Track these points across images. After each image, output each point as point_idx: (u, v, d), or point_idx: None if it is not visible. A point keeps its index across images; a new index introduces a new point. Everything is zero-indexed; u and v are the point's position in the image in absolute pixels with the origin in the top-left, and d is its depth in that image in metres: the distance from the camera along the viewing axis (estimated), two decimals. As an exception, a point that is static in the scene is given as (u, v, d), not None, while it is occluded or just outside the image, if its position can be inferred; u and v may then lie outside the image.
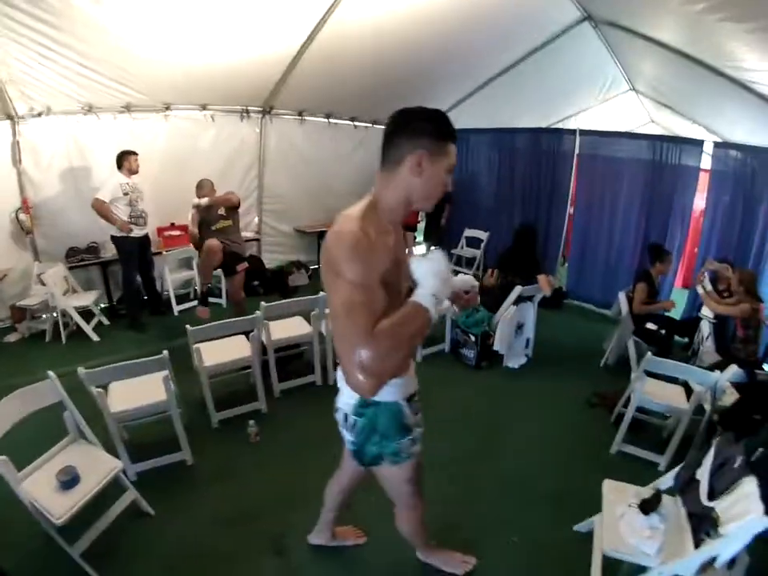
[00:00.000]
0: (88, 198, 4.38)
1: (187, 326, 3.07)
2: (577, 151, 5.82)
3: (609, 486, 2.06)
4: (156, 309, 5.14)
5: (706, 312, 4.11)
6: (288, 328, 3.75)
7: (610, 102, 6.64)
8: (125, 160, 4.46)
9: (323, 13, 4.15)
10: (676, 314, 4.99)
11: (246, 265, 4.31)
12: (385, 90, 5.73)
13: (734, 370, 2.83)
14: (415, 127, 1.25)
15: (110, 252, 4.87)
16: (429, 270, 1.16)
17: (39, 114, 4.33)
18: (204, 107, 5.28)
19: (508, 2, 4.50)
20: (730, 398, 2.90)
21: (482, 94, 6.37)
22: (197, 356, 3.08)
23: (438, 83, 6.02)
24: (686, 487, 1.95)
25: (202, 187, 4.27)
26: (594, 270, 5.92)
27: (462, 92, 6.47)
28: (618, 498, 1.98)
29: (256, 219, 6.18)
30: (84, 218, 4.61)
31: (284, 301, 3.57)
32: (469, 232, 7.05)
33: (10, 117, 4.23)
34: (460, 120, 6.76)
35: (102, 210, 4.32)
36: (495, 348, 4.25)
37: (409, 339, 1.14)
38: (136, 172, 4.53)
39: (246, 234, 5.99)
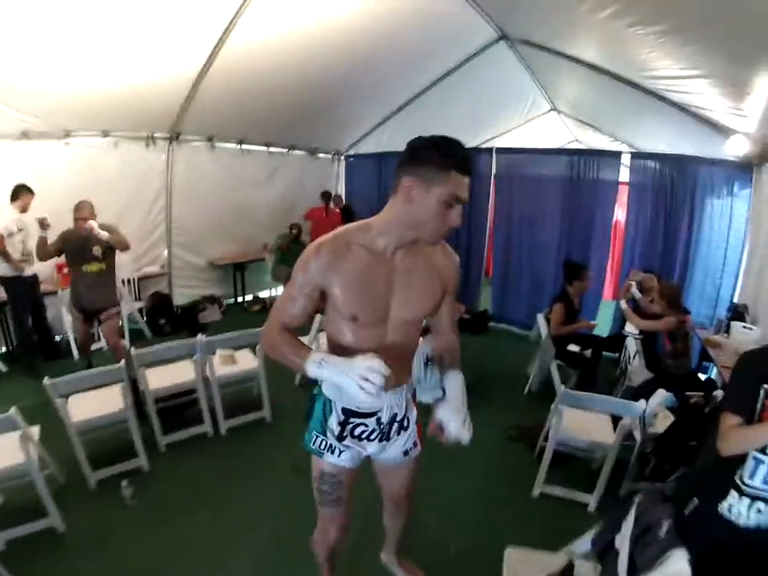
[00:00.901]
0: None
1: (45, 379, 2.60)
2: (494, 171, 5.71)
3: (512, 556, 1.71)
4: (52, 354, 4.61)
5: (630, 328, 3.94)
6: (175, 374, 3.33)
7: (532, 122, 6.67)
8: (22, 194, 4.06)
9: (221, 32, 3.90)
10: (604, 328, 4.85)
11: (114, 311, 3.73)
12: (299, 112, 5.49)
13: (661, 396, 2.60)
14: (417, 154, 1.22)
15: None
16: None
17: None
18: (106, 134, 4.85)
19: (421, 20, 4.36)
20: (664, 422, 2.69)
21: (403, 116, 6.24)
22: (62, 411, 2.68)
23: (354, 105, 5.85)
24: (605, 554, 1.62)
25: (80, 209, 3.64)
26: (517, 291, 5.76)
27: (380, 115, 6.35)
28: (523, 571, 1.64)
29: (165, 252, 5.68)
30: None
31: (158, 346, 3.14)
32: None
33: None
34: (380, 144, 6.78)
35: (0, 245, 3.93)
36: (420, 400, 3.81)
37: (281, 359, 1.37)
38: (26, 210, 4.11)
39: (153, 268, 5.53)
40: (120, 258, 4.58)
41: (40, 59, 3.56)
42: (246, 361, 3.59)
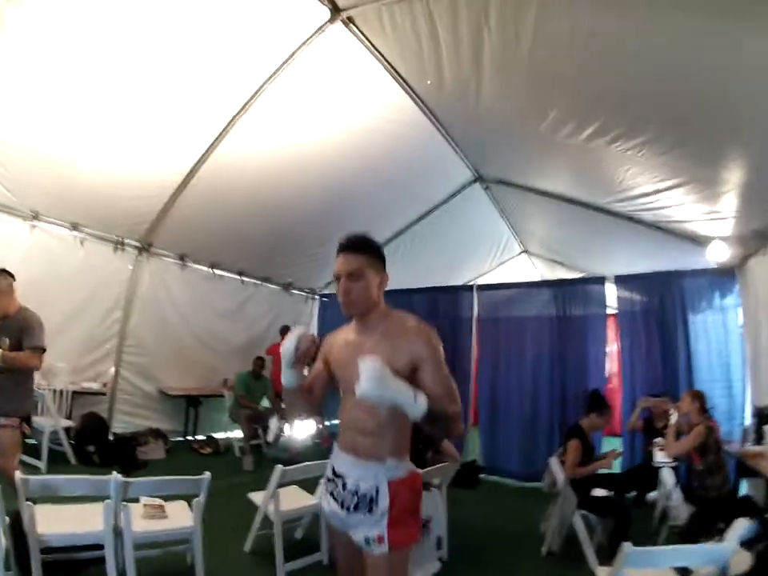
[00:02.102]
0: None
1: None
2: (476, 311, 5.69)
3: None
4: None
5: (661, 458, 3.48)
6: (77, 518, 2.44)
7: (505, 265, 6.95)
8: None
9: (208, 145, 4.10)
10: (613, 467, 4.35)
11: (9, 423, 2.84)
12: (274, 243, 5.48)
13: (742, 526, 2.06)
14: None
15: None
16: None
17: None
18: (75, 227, 4.62)
19: (402, 158, 4.68)
20: (740, 565, 2.11)
21: (388, 250, 6.29)
22: None
23: (330, 243, 5.87)
24: None
25: None
26: (508, 438, 5.29)
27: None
28: None
29: (111, 370, 4.99)
30: None
31: (56, 477, 2.42)
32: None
33: None
34: None
35: None
36: None
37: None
38: None
39: (92, 384, 4.80)
40: (56, 364, 3.94)
41: (26, 125, 3.54)
42: (180, 516, 2.66)
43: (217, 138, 4.11)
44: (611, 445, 4.84)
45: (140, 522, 2.50)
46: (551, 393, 5.03)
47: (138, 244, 5.07)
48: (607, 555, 2.76)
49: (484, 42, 3.16)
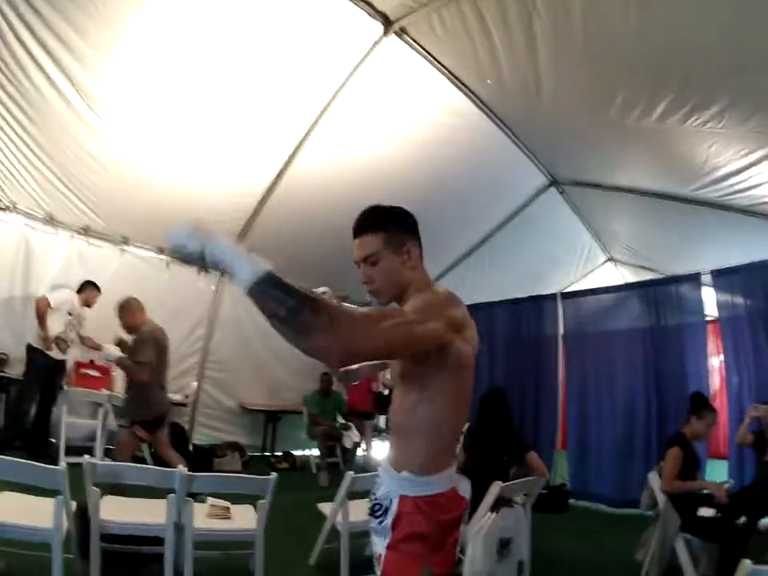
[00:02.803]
0: (15, 305, 4.38)
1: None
2: (561, 325, 5.41)
3: None
4: (39, 451, 4.10)
5: None
6: (140, 510, 2.54)
7: (590, 276, 6.53)
8: (88, 289, 4.50)
9: (279, 168, 4.42)
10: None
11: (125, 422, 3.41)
12: (348, 262, 5.60)
13: None
14: None
15: (16, 370, 4.36)
16: None
17: (3, 209, 4.34)
18: (162, 251, 5.05)
19: (470, 167, 4.67)
20: None
21: (458, 272, 6.24)
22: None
23: None
24: None
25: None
26: (600, 461, 4.89)
27: (433, 272, 6.35)
28: None
29: (194, 384, 5.34)
30: (6, 322, 4.40)
31: (124, 464, 2.57)
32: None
33: None
34: None
35: (43, 309, 4.19)
36: None
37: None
38: (89, 305, 4.51)
39: (176, 396, 5.10)
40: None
41: (115, 157, 4.02)
42: (245, 519, 2.65)
43: (287, 161, 4.40)
44: (715, 468, 4.30)
45: (203, 520, 2.53)
46: (647, 411, 4.59)
47: (218, 268, 5.45)
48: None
49: (535, 29, 3.13)
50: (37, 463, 2.16)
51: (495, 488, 2.73)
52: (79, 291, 4.48)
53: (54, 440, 4.37)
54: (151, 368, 3.33)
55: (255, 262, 0.95)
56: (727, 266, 4.29)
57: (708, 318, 4.63)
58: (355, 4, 3.35)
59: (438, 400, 1.24)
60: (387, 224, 1.36)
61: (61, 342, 4.30)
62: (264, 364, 5.88)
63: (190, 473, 2.40)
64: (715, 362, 4.91)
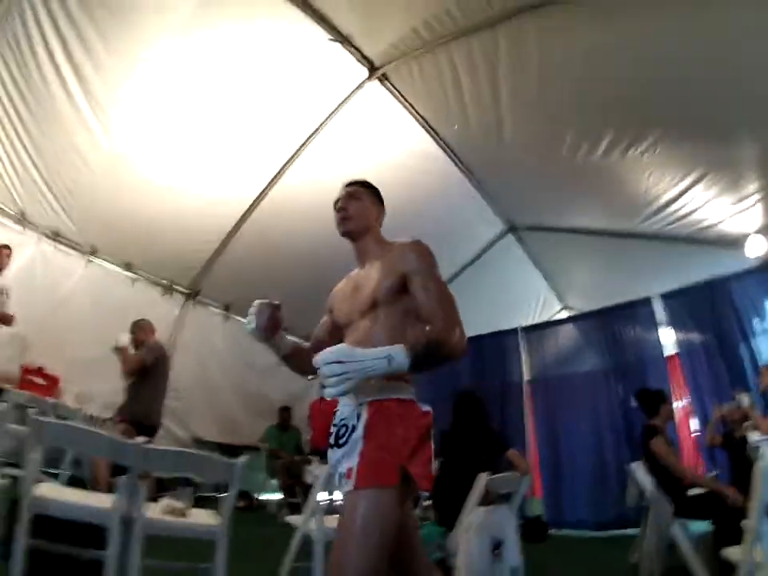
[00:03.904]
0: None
1: None
2: (526, 367, 5.75)
3: None
4: None
5: (759, 437, 3.28)
6: (88, 497, 2.33)
7: (546, 324, 6.96)
8: None
9: (258, 192, 4.74)
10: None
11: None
12: (315, 297, 5.79)
13: None
14: None
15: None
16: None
17: None
18: (128, 266, 5.15)
19: (435, 211, 5.19)
20: None
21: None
22: None
23: None
24: None
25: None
26: (574, 489, 5.15)
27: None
28: None
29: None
30: None
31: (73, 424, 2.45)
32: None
33: None
34: None
35: None
36: None
37: None
38: (1, 268, 4.11)
39: None
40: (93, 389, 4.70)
41: (102, 159, 4.17)
42: (204, 518, 2.38)
43: (267, 185, 4.76)
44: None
45: (157, 515, 2.25)
46: (616, 436, 4.96)
47: (186, 290, 5.54)
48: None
49: (499, 77, 3.81)
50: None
51: (481, 480, 2.80)
52: None
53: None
54: (140, 366, 3.81)
55: (388, 351, 1.25)
56: (675, 289, 4.87)
57: (666, 351, 5.08)
58: (346, 49, 3.93)
59: (406, 320, 1.46)
60: (371, 187, 1.73)
61: None
62: (221, 397, 5.81)
63: (147, 446, 2.18)
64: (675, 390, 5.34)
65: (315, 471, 5.41)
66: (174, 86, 3.98)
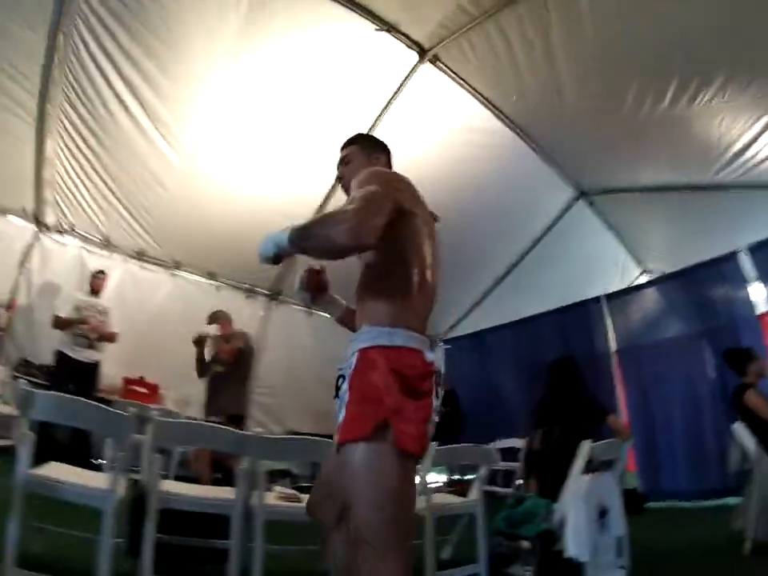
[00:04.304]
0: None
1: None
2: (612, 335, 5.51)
3: None
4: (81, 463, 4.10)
5: None
6: (207, 492, 2.55)
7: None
8: (91, 278, 4.68)
9: (324, 195, 4.90)
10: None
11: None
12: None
13: None
14: None
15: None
16: None
17: (61, 232, 4.84)
18: (211, 275, 5.51)
19: (502, 185, 5.14)
20: None
21: (497, 297, 6.55)
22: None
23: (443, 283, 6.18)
24: None
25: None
26: (669, 459, 4.92)
27: (472, 296, 6.66)
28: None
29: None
30: (55, 338, 4.52)
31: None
32: (501, 443, 6.07)
33: (37, 221, 4.75)
34: (479, 323, 6.83)
35: (58, 323, 4.38)
36: (570, 554, 2.53)
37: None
38: (98, 291, 4.64)
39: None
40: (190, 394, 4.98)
41: (176, 182, 4.51)
42: None
43: (335, 183, 4.91)
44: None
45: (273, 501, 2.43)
46: (711, 399, 4.70)
47: (268, 292, 5.87)
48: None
49: (553, 40, 3.71)
50: (104, 407, 2.19)
51: (585, 447, 2.79)
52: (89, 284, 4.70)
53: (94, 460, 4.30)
54: (237, 356, 3.92)
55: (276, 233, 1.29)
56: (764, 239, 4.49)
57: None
58: (393, 36, 3.99)
59: (392, 256, 1.36)
60: (359, 140, 1.74)
61: (79, 339, 4.43)
62: (310, 390, 6.04)
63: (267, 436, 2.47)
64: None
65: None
66: (235, 100, 4.22)
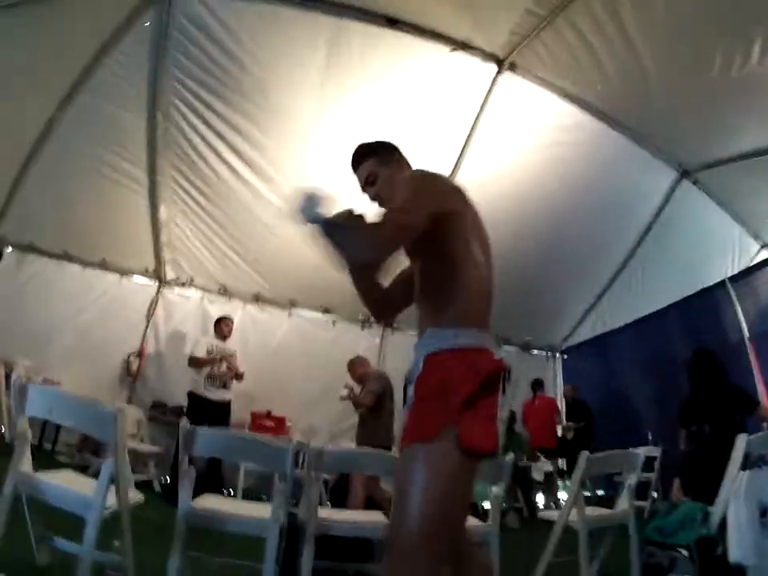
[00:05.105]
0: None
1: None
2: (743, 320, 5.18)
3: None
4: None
5: None
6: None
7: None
8: (218, 324, 5.11)
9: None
10: None
11: None
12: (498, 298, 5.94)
13: None
14: None
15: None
16: None
17: (183, 284, 5.43)
18: (326, 311, 5.86)
19: (601, 180, 5.09)
20: None
21: (612, 297, 6.32)
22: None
23: (553, 290, 6.10)
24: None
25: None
26: None
27: (588, 299, 6.46)
28: None
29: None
30: (184, 381, 4.99)
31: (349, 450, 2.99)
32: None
33: (159, 278, 5.41)
34: (596, 329, 6.55)
35: (195, 363, 4.80)
36: (733, 558, 2.38)
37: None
38: (227, 336, 5.04)
39: (351, 445, 5.51)
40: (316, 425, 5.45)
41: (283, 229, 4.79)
42: None
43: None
44: None
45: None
46: None
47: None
48: None
49: (624, 20, 3.64)
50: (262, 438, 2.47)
51: (741, 442, 2.70)
52: (214, 330, 5.10)
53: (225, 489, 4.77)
54: (375, 399, 4.24)
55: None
56: None
57: None
58: (469, 53, 4.17)
59: (446, 257, 1.37)
60: (369, 153, 1.63)
61: (214, 381, 4.81)
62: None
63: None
64: None
65: (544, 468, 5.58)
66: (327, 144, 4.51)
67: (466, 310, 1.32)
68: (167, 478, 4.87)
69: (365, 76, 4.22)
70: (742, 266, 6.19)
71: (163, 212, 5.08)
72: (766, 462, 2.84)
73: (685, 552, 2.61)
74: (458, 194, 1.46)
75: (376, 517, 2.62)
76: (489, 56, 4.20)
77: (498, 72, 4.27)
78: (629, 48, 3.86)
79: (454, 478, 1.17)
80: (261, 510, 2.32)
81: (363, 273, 1.57)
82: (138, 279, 5.58)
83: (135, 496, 2.28)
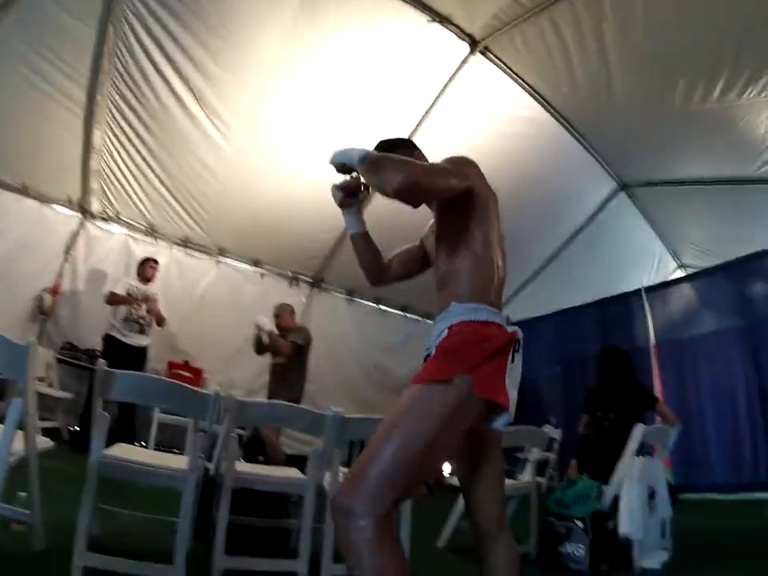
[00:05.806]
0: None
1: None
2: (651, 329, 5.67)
3: None
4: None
5: None
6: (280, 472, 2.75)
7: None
8: (142, 265, 4.87)
9: None
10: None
11: None
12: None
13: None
14: None
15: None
16: None
17: (107, 219, 5.04)
18: (256, 263, 5.72)
19: (546, 176, 5.27)
20: None
21: (534, 288, 6.67)
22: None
23: None
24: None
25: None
26: (706, 454, 4.99)
27: (518, 280, 6.68)
28: None
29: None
30: (100, 324, 4.69)
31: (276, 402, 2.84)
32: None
33: (83, 210, 4.96)
34: (517, 314, 6.89)
35: (113, 299, 4.59)
36: (623, 532, 2.79)
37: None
38: (150, 279, 4.83)
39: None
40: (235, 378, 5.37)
41: (225, 168, 4.64)
42: None
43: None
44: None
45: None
46: (751, 396, 4.74)
47: (310, 279, 6.05)
48: None
49: (605, 35, 3.80)
50: (185, 385, 2.28)
51: (638, 431, 3.02)
52: (137, 272, 4.86)
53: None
54: (295, 349, 4.21)
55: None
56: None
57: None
58: (446, 27, 4.09)
59: (472, 241, 1.44)
60: (393, 146, 1.65)
61: (131, 324, 4.62)
62: (352, 378, 6.26)
63: (348, 416, 2.45)
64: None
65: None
66: (287, 91, 4.35)
67: (487, 289, 1.43)
68: (76, 426, 4.63)
69: (337, 27, 4.04)
70: (659, 280, 6.82)
71: (97, 137, 4.58)
72: (651, 454, 3.22)
73: (580, 524, 2.90)
74: (489, 185, 1.54)
75: (293, 473, 2.68)
76: (465, 35, 4.16)
77: (471, 53, 4.26)
78: (603, 62, 4.03)
79: (446, 419, 1.21)
80: (177, 461, 2.28)
81: (368, 242, 1.77)
82: (60, 209, 5.07)
83: (44, 442, 2.16)
